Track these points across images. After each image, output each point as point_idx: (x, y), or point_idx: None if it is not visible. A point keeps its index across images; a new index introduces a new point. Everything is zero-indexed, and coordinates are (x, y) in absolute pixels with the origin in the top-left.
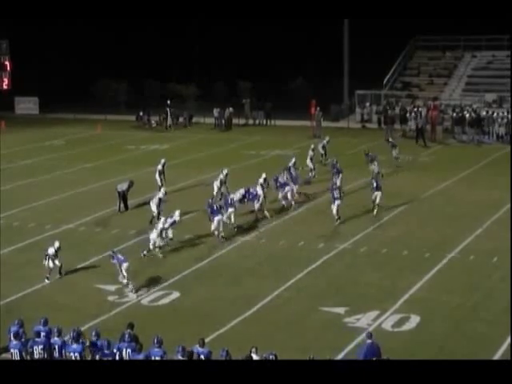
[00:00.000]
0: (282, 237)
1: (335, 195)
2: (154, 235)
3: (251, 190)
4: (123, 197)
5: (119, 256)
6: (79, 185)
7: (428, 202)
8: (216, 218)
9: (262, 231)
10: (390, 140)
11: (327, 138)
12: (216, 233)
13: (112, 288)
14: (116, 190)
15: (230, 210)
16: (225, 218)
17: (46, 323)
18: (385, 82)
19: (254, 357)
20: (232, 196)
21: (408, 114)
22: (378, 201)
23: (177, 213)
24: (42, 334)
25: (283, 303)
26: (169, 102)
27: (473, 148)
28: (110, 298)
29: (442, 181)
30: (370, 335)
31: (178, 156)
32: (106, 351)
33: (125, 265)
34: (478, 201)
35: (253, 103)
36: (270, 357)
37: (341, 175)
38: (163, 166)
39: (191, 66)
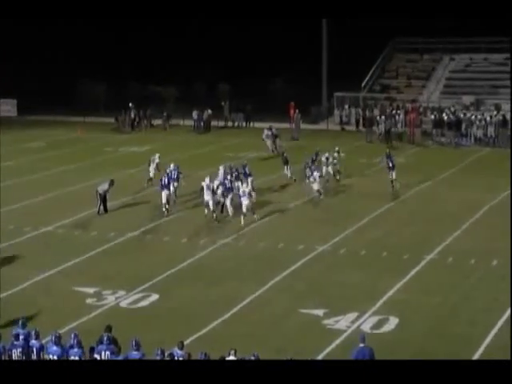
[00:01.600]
0: (262, 239)
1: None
2: (245, 201)
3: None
4: (104, 198)
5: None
6: (59, 187)
7: (407, 204)
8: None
9: (241, 233)
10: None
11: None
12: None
13: (90, 290)
14: (97, 191)
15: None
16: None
17: (24, 325)
18: (363, 84)
19: (233, 359)
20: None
21: (378, 117)
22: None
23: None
24: (21, 336)
25: (263, 305)
26: (131, 104)
27: (451, 150)
28: (89, 301)
29: (420, 182)
30: (362, 339)
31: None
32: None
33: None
34: (456, 202)
35: (232, 105)
36: (252, 358)
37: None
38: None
39: (170, 67)
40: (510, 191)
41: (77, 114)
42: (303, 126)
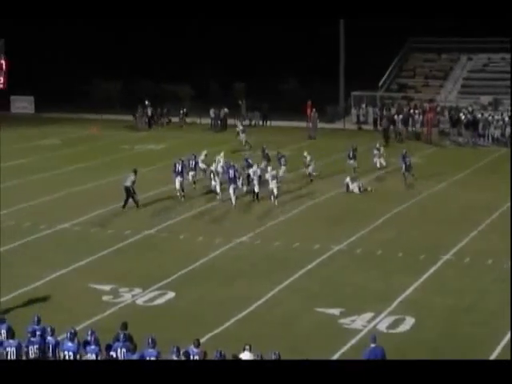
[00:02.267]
0: (277, 238)
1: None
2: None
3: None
4: (130, 193)
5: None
6: (74, 184)
7: (423, 204)
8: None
9: (256, 232)
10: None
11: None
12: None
13: (107, 288)
14: (125, 187)
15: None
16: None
17: (39, 321)
18: (381, 83)
19: (248, 354)
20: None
21: (396, 116)
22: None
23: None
24: (38, 332)
25: (278, 304)
26: (147, 102)
27: (468, 150)
28: (105, 298)
29: (437, 183)
30: (374, 339)
31: (173, 156)
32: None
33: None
34: (473, 203)
35: (248, 104)
36: (273, 356)
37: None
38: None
39: (186, 66)
40: (510, 192)
41: (93, 111)
42: (320, 125)
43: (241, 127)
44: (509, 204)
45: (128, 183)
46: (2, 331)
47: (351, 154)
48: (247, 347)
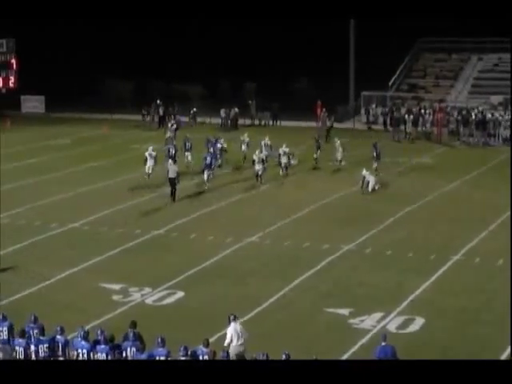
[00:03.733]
0: (287, 237)
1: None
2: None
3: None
4: (175, 184)
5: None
6: (84, 184)
7: (433, 204)
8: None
9: (266, 232)
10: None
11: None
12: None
13: (117, 287)
14: (169, 178)
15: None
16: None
17: (36, 320)
18: (391, 83)
19: (233, 325)
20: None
21: (406, 116)
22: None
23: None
24: (35, 331)
25: (288, 304)
26: (159, 101)
27: (478, 150)
28: (115, 298)
29: (447, 183)
30: (384, 337)
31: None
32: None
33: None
34: (483, 203)
35: (258, 103)
36: (283, 356)
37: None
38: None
39: (197, 65)
40: (510, 193)
41: (103, 111)
42: (329, 124)
43: (247, 139)
44: None
45: (173, 175)
46: (4, 329)
47: (375, 154)
48: (232, 317)
